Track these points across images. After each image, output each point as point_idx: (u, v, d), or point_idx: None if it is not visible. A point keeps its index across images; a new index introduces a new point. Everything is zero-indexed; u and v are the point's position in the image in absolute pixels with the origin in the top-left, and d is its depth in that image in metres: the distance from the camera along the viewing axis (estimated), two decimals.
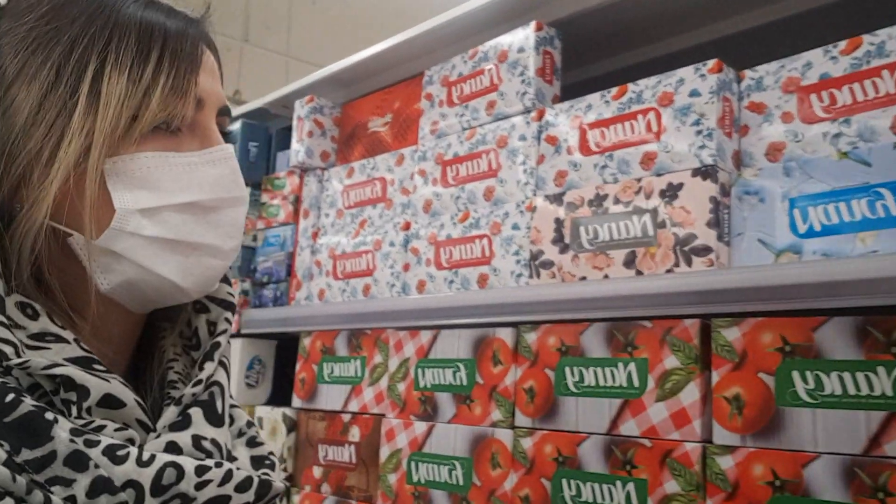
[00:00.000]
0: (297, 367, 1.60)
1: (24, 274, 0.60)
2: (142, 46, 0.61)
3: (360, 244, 1.53)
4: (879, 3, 1.06)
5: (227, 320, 0.71)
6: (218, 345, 0.69)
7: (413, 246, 1.42)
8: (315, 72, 1.75)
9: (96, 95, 0.60)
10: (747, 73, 1.08)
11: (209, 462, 0.60)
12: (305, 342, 1.59)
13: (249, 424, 0.73)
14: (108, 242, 0.61)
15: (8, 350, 0.56)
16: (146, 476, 0.56)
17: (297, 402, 1.59)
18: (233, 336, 1.78)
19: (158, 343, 0.72)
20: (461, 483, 1.23)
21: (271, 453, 0.71)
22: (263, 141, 1.89)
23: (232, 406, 0.72)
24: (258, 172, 1.87)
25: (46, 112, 0.59)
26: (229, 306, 0.72)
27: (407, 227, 1.46)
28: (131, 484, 0.55)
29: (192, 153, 0.65)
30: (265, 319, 1.71)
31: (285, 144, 1.82)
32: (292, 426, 1.58)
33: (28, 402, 0.54)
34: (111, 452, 0.56)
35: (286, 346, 1.76)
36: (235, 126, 1.89)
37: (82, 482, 0.54)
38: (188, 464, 0.58)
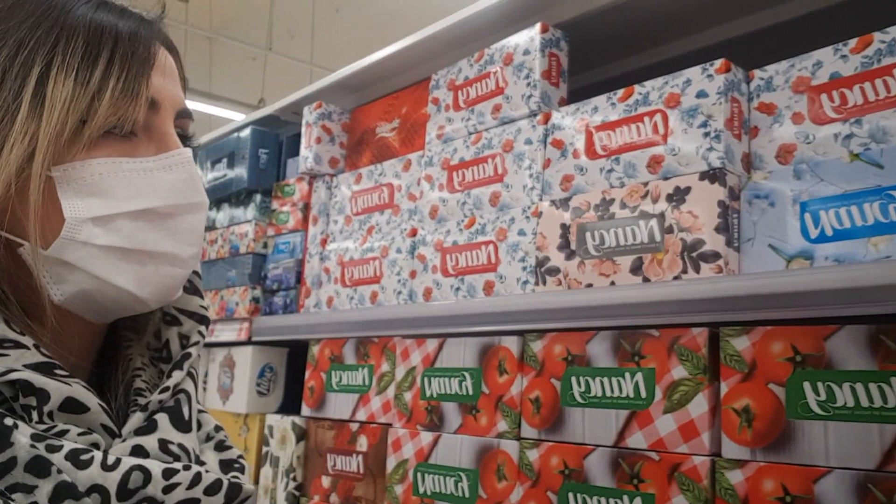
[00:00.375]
0: (307, 375, 1.59)
1: None
2: (90, 48, 0.60)
3: (368, 251, 1.51)
4: (890, 1, 1.02)
5: (201, 333, 0.70)
6: (188, 355, 0.67)
7: (420, 253, 1.40)
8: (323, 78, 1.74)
9: (41, 99, 0.58)
10: (756, 72, 1.04)
11: (177, 465, 0.59)
12: (314, 350, 1.58)
13: (217, 429, 0.72)
14: (60, 252, 0.59)
15: None
16: (111, 480, 0.55)
17: (306, 410, 1.57)
18: (244, 344, 1.78)
19: (124, 352, 0.70)
20: (467, 495, 1.20)
21: (241, 456, 0.70)
22: (274, 148, 1.88)
23: (200, 411, 0.71)
24: (269, 179, 1.86)
25: None
26: (202, 319, 0.71)
27: (414, 233, 1.44)
28: (96, 489, 0.54)
29: (148, 158, 0.63)
30: (275, 327, 1.69)
31: (296, 151, 1.81)
32: (302, 435, 1.57)
33: None
34: (74, 457, 0.54)
35: (298, 354, 1.75)
36: (245, 132, 1.88)
37: (44, 488, 0.52)
38: (155, 467, 0.57)
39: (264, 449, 1.65)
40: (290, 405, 1.77)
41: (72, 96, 0.58)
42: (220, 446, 0.70)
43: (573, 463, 1.06)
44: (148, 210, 0.62)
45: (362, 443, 1.42)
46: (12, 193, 0.57)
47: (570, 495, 1.06)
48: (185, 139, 0.69)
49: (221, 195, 1.94)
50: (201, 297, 0.72)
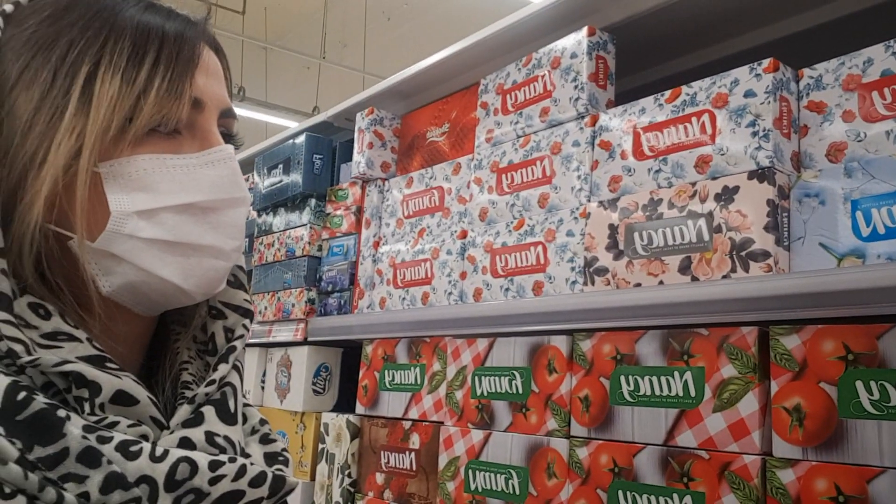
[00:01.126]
0: (360, 374, 1.62)
1: (28, 276, 0.60)
2: (137, 49, 0.62)
3: (419, 253, 1.54)
4: None
5: (245, 326, 0.71)
6: (233, 348, 0.69)
7: (469, 254, 1.42)
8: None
9: (88, 97, 0.60)
10: (805, 71, 1.04)
11: (223, 457, 0.60)
12: (368, 350, 1.61)
13: (262, 422, 0.73)
14: (107, 245, 0.61)
15: (18, 348, 0.57)
16: (160, 471, 0.56)
17: (360, 408, 1.61)
18: (300, 344, 1.82)
19: (172, 345, 0.72)
20: (518, 492, 1.22)
21: (284, 450, 0.71)
22: (328, 153, 1.93)
23: (245, 405, 0.72)
24: (323, 184, 1.90)
25: (42, 114, 0.60)
26: (247, 313, 0.72)
27: (464, 235, 1.46)
28: (145, 479, 0.55)
29: (191, 155, 0.64)
30: (330, 327, 1.74)
31: (349, 156, 1.85)
32: (356, 433, 1.60)
33: (40, 400, 0.54)
34: (124, 448, 0.55)
35: (352, 354, 1.79)
36: (300, 139, 1.93)
37: (95, 478, 0.53)
38: (202, 459, 0.58)
39: (320, 446, 1.69)
40: (344, 404, 1.81)
41: (118, 95, 0.60)
42: (265, 439, 0.71)
43: (623, 461, 1.07)
44: (191, 204, 0.63)
45: (415, 440, 1.44)
46: (60, 189, 0.59)
47: (620, 493, 1.07)
48: (230, 138, 0.71)
49: (277, 200, 1.99)
50: (245, 291, 0.74)
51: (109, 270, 0.62)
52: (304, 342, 1.81)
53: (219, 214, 0.65)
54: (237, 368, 0.68)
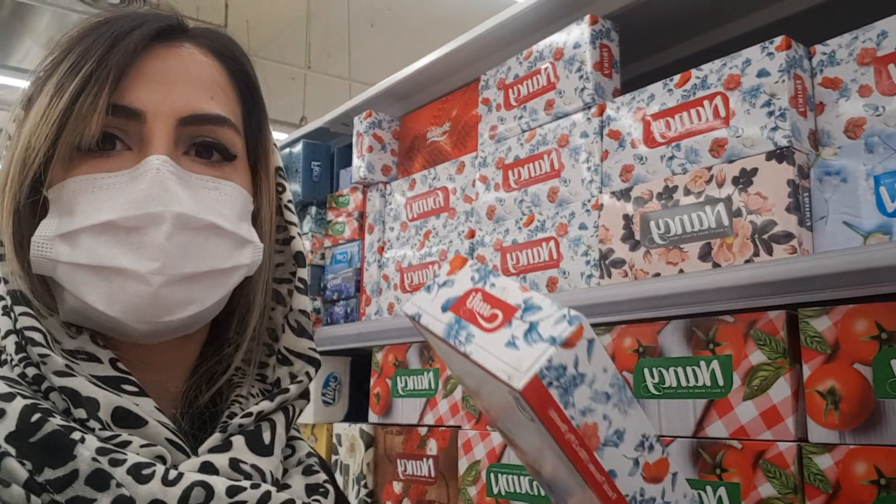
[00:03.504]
0: (372, 382, 1.59)
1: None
2: (74, 66, 0.60)
3: (426, 256, 1.51)
4: None
5: (308, 375, 0.69)
6: (286, 390, 0.66)
7: (479, 254, 1.39)
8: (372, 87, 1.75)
9: (21, 124, 0.61)
10: (818, 48, 1.02)
11: (244, 483, 0.58)
12: (378, 357, 1.58)
13: (309, 455, 0.71)
14: (43, 270, 0.61)
15: (37, 336, 0.57)
16: (171, 495, 0.54)
17: (373, 417, 1.58)
18: None
19: (234, 382, 0.69)
20: (543, 493, 1.19)
21: (326, 482, 0.68)
22: (326, 160, 1.90)
23: (295, 438, 0.70)
24: (322, 191, 1.88)
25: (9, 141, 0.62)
26: (311, 361, 0.69)
27: (471, 234, 1.43)
28: (156, 503, 0.54)
29: (122, 171, 0.60)
30: (337, 336, 1.71)
31: (347, 162, 1.83)
32: (370, 442, 1.57)
33: (54, 422, 0.54)
34: (136, 471, 0.54)
35: (361, 363, 1.76)
36: (298, 147, 1.91)
37: (103, 501, 0.52)
38: (220, 484, 0.56)
39: (333, 458, 1.66)
40: (354, 413, 1.78)
41: (42, 116, 0.59)
42: (308, 471, 0.68)
43: None
44: (109, 223, 0.58)
45: (432, 446, 1.41)
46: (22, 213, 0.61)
47: None
48: (212, 149, 0.64)
49: None
50: (310, 338, 0.70)
51: (61, 297, 0.61)
52: None
53: (140, 234, 0.59)
54: (285, 410, 0.66)
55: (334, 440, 1.66)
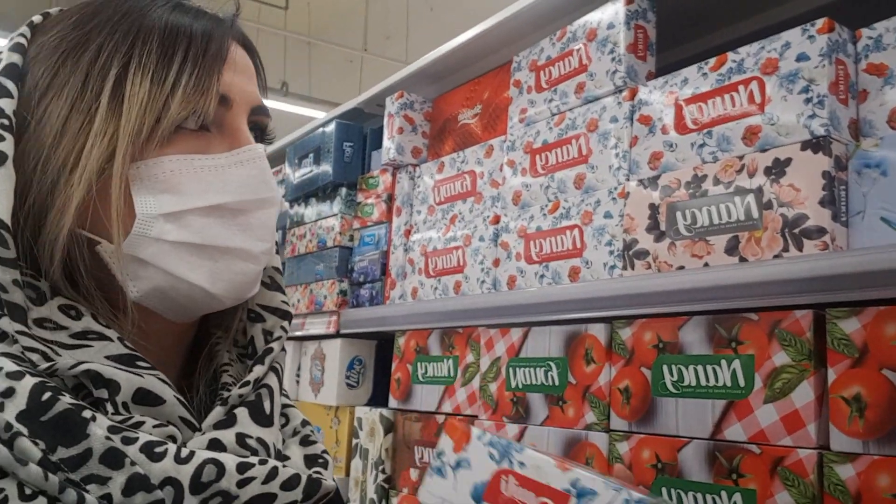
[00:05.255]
0: (393, 366, 1.57)
1: (59, 280, 0.60)
2: (165, 49, 0.61)
3: (451, 240, 1.48)
4: None
5: (283, 328, 0.70)
6: (270, 350, 0.67)
7: (503, 240, 1.35)
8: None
9: (119, 100, 0.59)
10: (864, 31, 0.95)
11: (252, 459, 0.58)
12: (400, 341, 1.56)
13: (304, 423, 0.71)
14: (133, 249, 0.60)
15: (34, 357, 0.56)
16: (184, 473, 0.55)
17: (393, 402, 1.56)
18: (333, 337, 1.78)
19: (213, 348, 0.71)
20: None
21: (325, 451, 0.69)
22: (358, 141, 1.88)
23: (287, 406, 0.71)
24: (354, 172, 1.86)
25: (73, 120, 0.59)
26: (285, 315, 0.71)
27: (496, 220, 1.40)
28: (169, 481, 0.54)
29: (220, 155, 0.63)
30: (362, 319, 1.69)
31: (380, 143, 1.80)
32: (389, 427, 1.55)
33: (65, 401, 0.54)
34: (149, 449, 0.54)
35: (386, 346, 1.74)
36: (330, 127, 1.89)
37: (118, 480, 0.53)
38: (229, 461, 0.57)
39: (354, 441, 1.65)
40: (379, 397, 1.76)
41: (148, 96, 0.59)
42: (306, 441, 0.69)
43: (666, 456, 1.00)
44: (218, 206, 0.62)
45: None
46: (93, 193, 0.59)
47: (664, 490, 1.00)
48: (262, 135, 0.69)
49: (308, 190, 1.95)
50: (283, 292, 0.72)
51: (136, 275, 0.61)
52: (337, 335, 1.77)
53: (248, 216, 0.64)
54: (275, 370, 0.67)
55: (356, 424, 1.65)
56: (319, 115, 8.56)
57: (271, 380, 0.66)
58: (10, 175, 0.58)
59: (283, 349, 0.70)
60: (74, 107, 0.60)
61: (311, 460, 0.67)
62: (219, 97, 0.62)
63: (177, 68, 0.61)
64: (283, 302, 0.72)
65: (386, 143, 1.69)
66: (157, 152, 0.61)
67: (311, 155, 1.94)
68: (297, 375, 1.94)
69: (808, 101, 0.95)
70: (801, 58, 0.96)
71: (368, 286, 1.72)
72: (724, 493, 0.93)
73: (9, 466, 0.51)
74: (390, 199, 1.71)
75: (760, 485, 0.90)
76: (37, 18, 0.66)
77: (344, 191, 1.83)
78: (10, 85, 0.61)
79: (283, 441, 0.67)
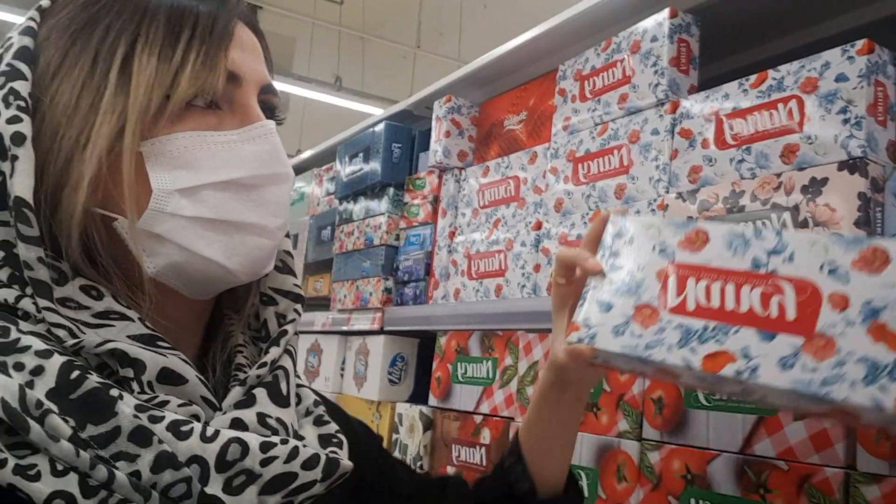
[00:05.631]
0: (434, 365, 1.61)
1: (78, 259, 0.61)
2: (172, 27, 0.62)
3: (493, 244, 1.51)
4: None
5: (297, 311, 0.71)
6: (285, 332, 0.69)
7: (544, 246, 1.38)
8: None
9: (127, 77, 0.60)
10: None
11: (275, 439, 0.60)
12: (441, 341, 1.60)
13: (316, 403, 0.72)
14: (149, 224, 0.61)
15: (61, 333, 0.57)
16: (210, 451, 0.56)
17: (433, 400, 1.60)
18: (377, 333, 1.83)
19: (226, 329, 0.72)
20: (586, 494, 1.18)
21: (338, 431, 0.70)
22: (406, 142, 1.92)
23: (299, 385, 0.72)
24: (402, 173, 1.90)
25: (84, 98, 0.60)
26: (297, 298, 0.72)
27: (538, 226, 1.42)
28: (196, 459, 0.55)
29: (231, 131, 0.64)
30: (405, 317, 1.73)
31: (427, 145, 1.84)
32: (428, 424, 1.59)
33: (93, 379, 0.55)
34: (175, 428, 0.56)
35: (428, 345, 1.78)
36: (380, 128, 1.93)
37: (146, 457, 0.54)
38: (253, 440, 0.58)
39: (394, 436, 1.69)
40: (419, 394, 1.80)
41: (156, 72, 0.60)
42: (319, 421, 0.70)
43: (696, 468, 1.02)
44: (233, 181, 0.63)
45: (485, 435, 1.42)
46: (104, 170, 0.60)
47: (693, 501, 1.01)
48: (272, 114, 0.70)
49: (358, 188, 2.00)
50: (294, 276, 0.73)
51: (153, 251, 0.62)
52: (381, 331, 1.82)
53: (261, 191, 0.65)
54: (289, 352, 0.69)
55: (396, 419, 1.69)
56: (373, 110, 8.66)
57: (286, 361, 0.67)
58: (29, 155, 0.59)
59: (297, 333, 0.71)
60: (84, 85, 0.61)
61: (325, 440, 0.68)
62: (227, 74, 0.64)
63: (184, 46, 0.62)
64: (296, 285, 0.73)
65: (433, 145, 1.72)
66: (169, 129, 0.62)
67: (361, 154, 1.99)
68: (342, 369, 1.99)
69: (846, 121, 0.95)
70: (840, 78, 0.97)
71: (413, 285, 1.76)
72: None
73: (41, 443, 0.52)
74: (436, 200, 1.75)
75: (787, 500, 0.91)
76: (45, 2, 0.67)
77: (391, 190, 1.88)
78: (24, 67, 0.62)
79: (298, 421, 0.69)
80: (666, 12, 1.22)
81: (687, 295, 0.72)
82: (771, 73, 1.06)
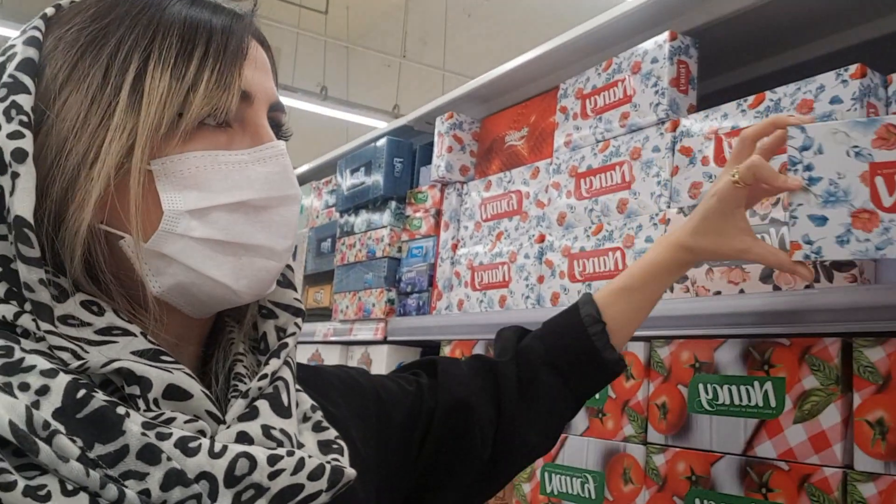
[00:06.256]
0: None
1: (79, 276, 0.60)
2: (185, 43, 0.61)
3: (497, 256, 1.56)
4: None
5: (297, 325, 0.71)
6: (285, 345, 0.68)
7: (547, 258, 1.43)
8: (456, 88, 1.81)
9: (139, 94, 0.59)
10: (894, 77, 1.01)
11: (281, 451, 0.59)
12: (446, 350, 1.64)
13: (314, 409, 0.71)
14: (158, 245, 0.60)
15: (65, 356, 0.56)
16: (219, 467, 0.56)
17: None
18: (380, 343, 1.87)
19: (227, 336, 0.71)
20: (593, 497, 1.23)
21: (338, 437, 0.69)
22: (408, 156, 1.97)
23: (297, 390, 0.71)
24: (403, 186, 1.95)
25: (93, 114, 0.59)
26: (297, 312, 0.72)
27: (541, 239, 1.47)
28: (205, 476, 0.55)
29: (243, 151, 0.63)
30: (409, 328, 1.78)
31: (428, 159, 1.89)
32: None
33: (99, 398, 0.54)
34: (183, 444, 0.55)
35: (430, 354, 1.82)
36: (382, 142, 1.98)
37: (156, 475, 0.53)
38: (260, 454, 0.58)
39: None
40: None
41: (168, 90, 0.59)
42: (318, 427, 0.69)
43: (700, 469, 1.07)
44: (243, 202, 0.62)
45: None
46: (112, 188, 0.59)
47: (697, 501, 1.07)
48: (279, 131, 0.69)
49: (359, 202, 2.04)
50: (294, 290, 0.73)
51: (160, 271, 0.61)
52: (384, 341, 1.86)
53: (271, 213, 0.64)
54: (289, 364, 0.68)
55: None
56: (357, 119, 8.64)
57: (286, 373, 0.67)
58: (31, 173, 0.58)
59: (296, 345, 0.71)
60: (94, 101, 0.59)
61: (325, 446, 0.67)
62: (240, 93, 0.63)
63: (197, 63, 0.61)
64: (296, 299, 0.72)
65: (436, 160, 1.77)
66: (181, 148, 0.61)
67: (363, 168, 2.04)
68: None
69: None
70: (835, 100, 1.03)
71: (416, 296, 1.81)
72: None
73: (51, 463, 0.51)
74: (438, 213, 1.80)
75: (788, 499, 0.97)
76: (49, 11, 0.64)
77: (394, 204, 1.92)
78: (28, 80, 0.60)
79: (297, 428, 0.68)
80: (666, 35, 1.28)
81: None
82: (768, 94, 1.12)
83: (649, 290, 0.98)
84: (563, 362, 0.95)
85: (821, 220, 0.82)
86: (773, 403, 1.01)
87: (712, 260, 0.93)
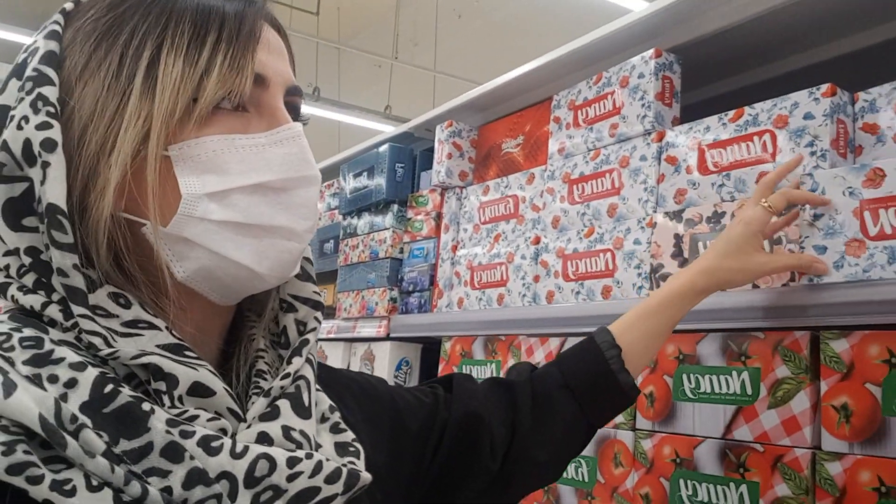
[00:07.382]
0: (440, 368, 1.75)
1: (105, 265, 0.60)
2: (198, 29, 0.61)
3: (495, 257, 1.66)
4: None
5: (317, 319, 0.71)
6: (307, 342, 0.68)
7: (542, 259, 1.53)
8: (457, 97, 1.90)
9: (153, 81, 0.59)
10: (861, 95, 1.12)
11: (300, 453, 0.59)
12: (446, 346, 1.74)
13: (332, 409, 0.71)
14: (178, 229, 0.60)
15: (97, 341, 0.57)
16: (239, 468, 0.56)
17: None
18: (383, 339, 1.97)
19: (248, 331, 0.71)
20: (586, 480, 1.33)
21: (355, 440, 0.69)
22: (409, 162, 2.06)
23: (316, 390, 0.71)
24: (404, 191, 2.04)
25: (109, 102, 0.60)
26: (317, 305, 0.71)
27: (537, 241, 1.57)
28: (225, 475, 0.55)
29: (259, 134, 0.63)
30: (411, 325, 1.87)
31: (428, 164, 1.98)
32: None
33: (126, 393, 0.55)
34: (206, 444, 0.55)
35: (431, 350, 1.92)
36: (384, 148, 2.08)
37: (178, 473, 0.54)
38: (280, 455, 0.58)
39: None
40: None
41: (181, 76, 0.59)
42: (336, 428, 0.69)
43: (684, 452, 1.17)
44: (262, 184, 0.62)
45: None
46: (129, 175, 0.59)
47: (681, 481, 1.17)
48: (297, 115, 0.69)
49: (362, 204, 2.14)
50: (314, 283, 0.72)
51: (183, 255, 0.61)
52: (387, 338, 1.95)
53: (290, 194, 0.64)
54: (310, 362, 0.68)
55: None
56: (349, 120, 8.68)
57: (307, 371, 0.67)
58: (61, 161, 0.58)
59: (317, 340, 0.70)
60: (109, 89, 0.59)
61: (342, 448, 0.67)
62: (254, 76, 0.62)
63: (210, 48, 0.60)
64: (315, 292, 0.72)
65: (436, 166, 1.87)
66: (197, 133, 0.61)
67: (366, 172, 2.13)
68: None
69: (812, 153, 1.11)
70: (808, 116, 1.13)
71: (417, 295, 1.90)
72: (732, 485, 1.10)
73: (77, 458, 0.51)
74: (439, 216, 1.89)
75: (763, 478, 1.07)
76: (68, 6, 0.65)
77: (395, 207, 2.02)
78: (51, 72, 0.60)
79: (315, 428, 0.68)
80: (652, 52, 1.38)
81: (882, 223, 0.96)
82: (747, 109, 1.22)
83: (665, 315, 1.00)
84: (579, 384, 0.95)
85: (821, 250, 1.03)
86: (749, 391, 1.11)
87: (731, 281, 1.03)
